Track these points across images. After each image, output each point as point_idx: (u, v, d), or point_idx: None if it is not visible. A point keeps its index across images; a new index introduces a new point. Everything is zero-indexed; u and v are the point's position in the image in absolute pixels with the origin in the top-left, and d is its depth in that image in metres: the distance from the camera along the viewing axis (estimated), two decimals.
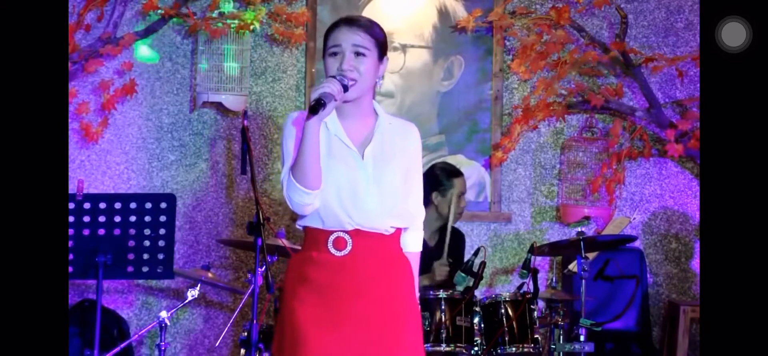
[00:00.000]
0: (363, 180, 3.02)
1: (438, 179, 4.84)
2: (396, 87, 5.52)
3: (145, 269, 4.02)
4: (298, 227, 3.14)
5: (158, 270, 4.04)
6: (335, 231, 3.02)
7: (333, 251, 3.02)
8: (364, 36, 3.03)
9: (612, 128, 5.58)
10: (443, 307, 4.44)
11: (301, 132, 2.98)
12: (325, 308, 3.00)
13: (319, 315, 2.99)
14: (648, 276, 5.57)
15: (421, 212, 3.20)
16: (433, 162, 5.07)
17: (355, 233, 3.02)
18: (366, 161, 3.03)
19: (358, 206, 3.01)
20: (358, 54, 3.02)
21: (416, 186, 3.17)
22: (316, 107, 2.89)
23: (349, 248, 3.02)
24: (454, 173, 4.90)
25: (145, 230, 3.95)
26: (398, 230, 3.11)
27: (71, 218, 3.86)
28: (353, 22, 3.06)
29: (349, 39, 3.01)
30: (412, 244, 3.20)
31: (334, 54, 3.02)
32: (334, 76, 2.98)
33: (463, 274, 4.59)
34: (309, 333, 2.97)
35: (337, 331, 2.98)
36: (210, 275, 4.63)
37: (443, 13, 5.57)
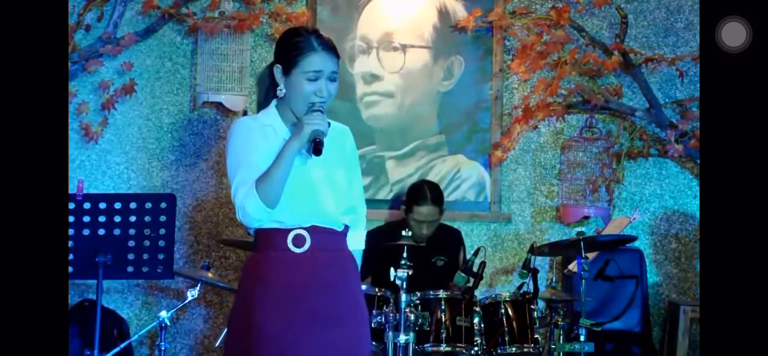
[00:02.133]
0: (317, 178, 3.08)
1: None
2: (396, 87, 5.52)
3: (145, 269, 4.02)
4: (248, 231, 3.15)
5: (158, 270, 4.04)
6: (294, 229, 3.06)
7: (292, 248, 3.06)
8: (336, 62, 3.12)
9: (612, 128, 5.58)
10: (443, 307, 4.44)
11: (254, 143, 3.04)
12: (287, 306, 3.03)
13: (282, 313, 3.02)
14: (648, 276, 5.57)
15: (364, 208, 3.30)
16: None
17: (313, 230, 3.07)
18: (317, 161, 3.07)
19: (315, 202, 3.08)
20: (332, 80, 3.10)
21: (358, 184, 3.27)
22: (320, 149, 3.00)
23: (307, 244, 3.07)
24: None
25: (145, 230, 3.95)
26: (346, 228, 3.18)
27: (71, 218, 3.86)
28: (331, 48, 3.12)
29: (329, 67, 3.09)
30: (357, 242, 3.27)
31: (315, 79, 3.07)
32: (319, 110, 3.05)
33: (463, 274, 4.60)
34: (273, 333, 3.00)
35: (302, 328, 3.02)
36: (210, 275, 4.63)
37: (443, 13, 5.57)
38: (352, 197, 3.20)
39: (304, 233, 3.07)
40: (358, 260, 3.25)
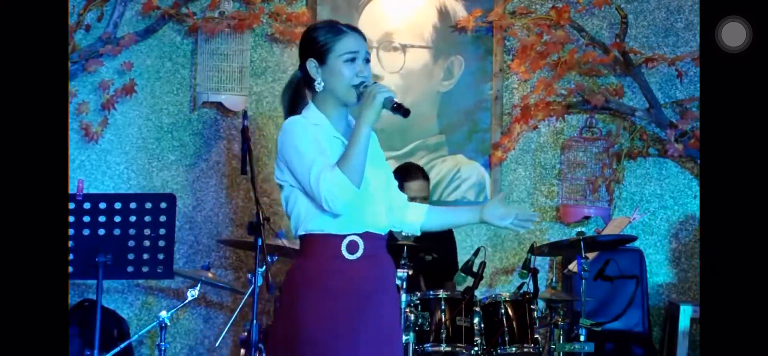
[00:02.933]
0: (372, 183, 3.04)
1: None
2: (396, 87, 5.51)
3: (145, 269, 4.02)
4: (296, 235, 3.09)
5: (158, 270, 4.04)
6: (349, 235, 3.01)
7: (346, 255, 3.01)
8: (366, 45, 3.10)
9: (612, 128, 5.58)
10: (443, 307, 4.44)
11: (315, 137, 2.98)
12: (341, 314, 2.97)
13: (336, 322, 2.96)
14: (648, 276, 5.57)
15: (405, 197, 3.28)
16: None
17: (366, 236, 3.03)
18: (371, 164, 3.03)
19: (371, 208, 3.04)
20: (367, 61, 3.07)
21: (393, 179, 3.25)
22: (404, 107, 2.96)
23: (360, 251, 3.02)
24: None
25: (145, 230, 3.95)
26: (389, 233, 3.16)
27: (71, 218, 3.85)
28: (360, 31, 3.10)
29: (363, 48, 3.06)
30: (418, 212, 3.25)
31: (353, 60, 3.02)
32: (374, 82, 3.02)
33: (463, 274, 4.59)
34: (324, 339, 2.95)
35: (354, 336, 2.97)
36: (210, 275, 4.63)
37: (443, 13, 5.57)
38: (391, 197, 3.18)
39: (358, 239, 3.01)
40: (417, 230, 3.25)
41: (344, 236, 3.00)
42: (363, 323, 2.99)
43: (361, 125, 2.95)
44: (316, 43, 3.05)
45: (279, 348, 3.05)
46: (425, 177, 5.00)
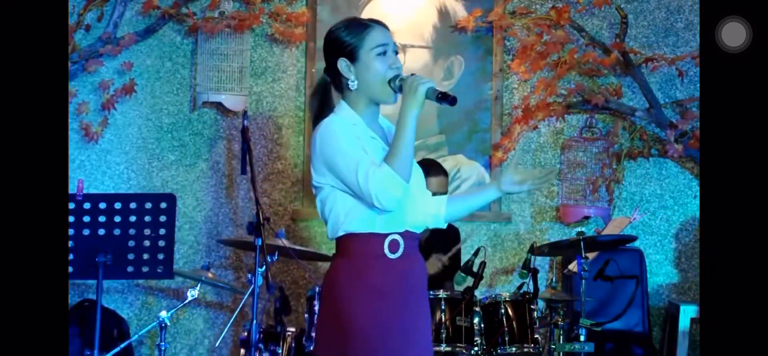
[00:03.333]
0: (414, 180, 3.01)
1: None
2: None
3: (145, 269, 4.02)
4: (334, 236, 3.00)
5: (158, 270, 4.04)
6: (390, 234, 2.97)
7: (388, 254, 2.97)
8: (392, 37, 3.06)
9: (612, 128, 5.59)
10: (443, 307, 4.44)
11: (356, 136, 2.93)
12: (391, 313, 2.94)
13: (388, 321, 2.93)
14: (648, 276, 5.57)
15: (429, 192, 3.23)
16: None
17: (405, 235, 3.00)
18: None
19: (412, 206, 3.02)
20: (396, 53, 3.03)
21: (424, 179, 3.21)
22: (450, 95, 2.91)
23: (401, 250, 2.98)
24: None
25: (145, 230, 3.95)
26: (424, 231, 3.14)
27: (71, 218, 3.86)
28: (384, 24, 3.05)
29: (391, 40, 3.01)
30: (440, 206, 3.19)
31: (384, 53, 2.98)
32: (411, 74, 2.97)
33: (463, 274, 4.59)
34: (381, 338, 2.92)
35: (411, 335, 2.97)
36: (210, 275, 4.62)
37: (443, 13, 5.57)
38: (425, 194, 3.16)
39: (399, 238, 2.98)
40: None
41: (386, 235, 2.96)
42: (411, 323, 2.98)
43: (406, 118, 2.91)
44: (344, 41, 2.99)
45: (330, 344, 2.98)
46: (445, 173, 5.00)
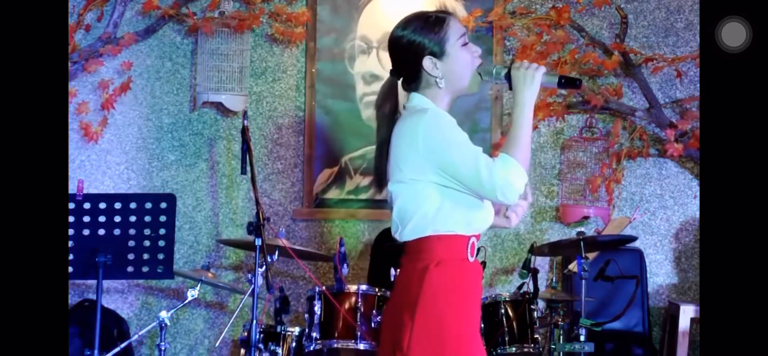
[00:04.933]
0: None
1: None
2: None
3: (145, 269, 4.03)
4: (416, 235, 2.87)
5: (158, 270, 4.04)
6: (471, 236, 2.90)
7: (469, 257, 2.89)
8: None
9: (612, 128, 5.59)
10: None
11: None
12: (474, 316, 2.90)
13: (475, 323, 2.89)
14: (648, 276, 5.57)
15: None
16: None
17: (478, 238, 2.94)
18: None
19: (490, 208, 2.95)
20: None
21: None
22: (573, 77, 2.86)
23: (476, 254, 2.92)
24: None
25: (145, 230, 3.95)
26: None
27: (71, 218, 3.86)
28: (451, 13, 2.98)
29: (463, 27, 2.93)
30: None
31: (467, 42, 2.92)
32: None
33: None
34: (474, 344, 2.87)
35: (479, 338, 2.94)
36: (210, 275, 4.63)
37: None
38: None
39: (476, 241, 2.92)
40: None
41: (469, 238, 2.88)
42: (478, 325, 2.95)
43: (524, 108, 2.81)
44: (426, 39, 2.88)
45: (426, 346, 2.84)
46: None
